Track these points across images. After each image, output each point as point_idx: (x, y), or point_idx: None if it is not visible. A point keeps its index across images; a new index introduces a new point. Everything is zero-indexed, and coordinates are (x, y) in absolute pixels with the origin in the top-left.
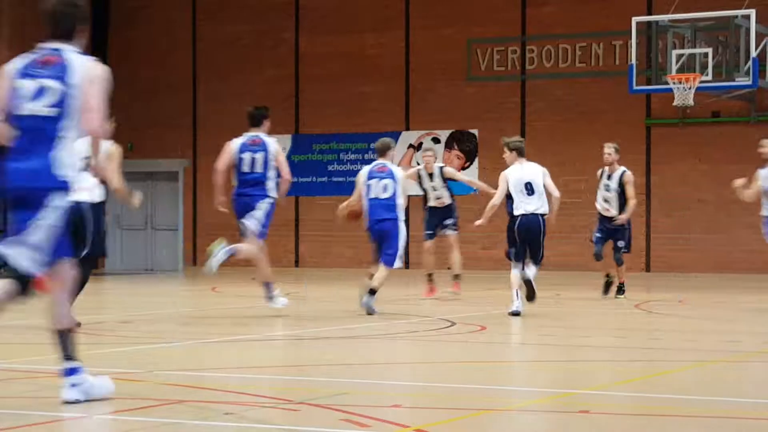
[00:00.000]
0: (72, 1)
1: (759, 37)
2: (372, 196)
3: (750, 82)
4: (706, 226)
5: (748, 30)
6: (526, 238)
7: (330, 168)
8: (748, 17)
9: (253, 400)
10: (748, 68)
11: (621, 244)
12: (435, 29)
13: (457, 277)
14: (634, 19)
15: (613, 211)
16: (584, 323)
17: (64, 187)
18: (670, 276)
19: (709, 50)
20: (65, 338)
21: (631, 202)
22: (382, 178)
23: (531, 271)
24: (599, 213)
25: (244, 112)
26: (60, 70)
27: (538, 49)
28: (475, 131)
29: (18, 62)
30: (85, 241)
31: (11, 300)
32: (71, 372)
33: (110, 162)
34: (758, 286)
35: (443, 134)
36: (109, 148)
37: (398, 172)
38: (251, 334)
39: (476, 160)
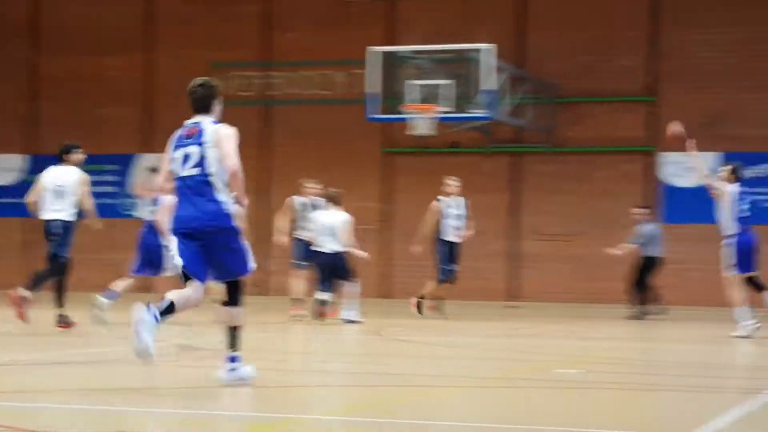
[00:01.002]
0: (208, 83)
1: (495, 70)
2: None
3: (486, 114)
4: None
5: (485, 63)
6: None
7: None
8: (485, 51)
9: None
10: (485, 100)
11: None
12: (178, 52)
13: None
14: (374, 49)
15: (459, 237)
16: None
17: (227, 221)
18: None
19: (447, 82)
20: (236, 333)
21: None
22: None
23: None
24: (447, 240)
25: None
26: (198, 138)
27: (282, 75)
28: None
29: (175, 135)
30: None
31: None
32: (233, 359)
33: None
34: (499, 312)
35: None
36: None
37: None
38: None
39: None
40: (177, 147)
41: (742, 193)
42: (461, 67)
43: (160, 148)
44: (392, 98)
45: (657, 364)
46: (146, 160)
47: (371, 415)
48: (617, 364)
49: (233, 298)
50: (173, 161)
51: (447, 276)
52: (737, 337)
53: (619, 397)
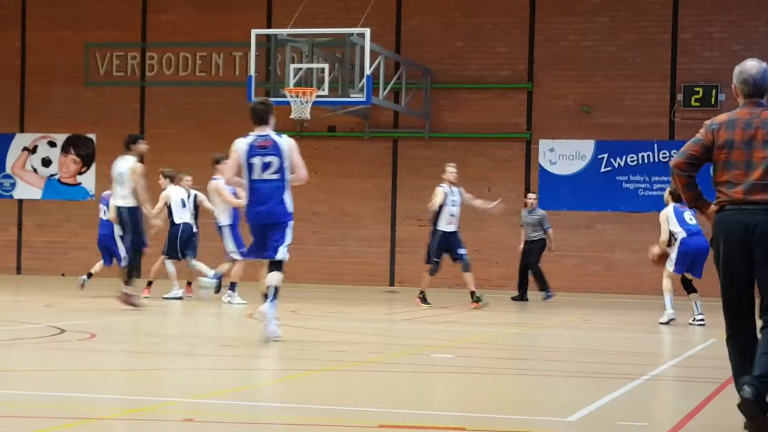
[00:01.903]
0: (264, 101)
1: (373, 55)
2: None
3: (364, 99)
4: (320, 238)
5: (362, 48)
6: None
7: None
8: (363, 35)
9: None
10: (363, 85)
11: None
12: (52, 31)
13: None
14: (254, 32)
15: (455, 225)
16: (192, 331)
17: (289, 216)
18: (287, 287)
19: (326, 66)
20: (278, 291)
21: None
22: None
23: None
24: (441, 230)
25: None
26: (274, 149)
27: (159, 56)
28: (92, 136)
29: (242, 144)
30: None
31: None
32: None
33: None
34: (372, 297)
35: (60, 138)
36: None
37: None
38: None
39: (93, 165)
40: (253, 155)
41: (680, 210)
42: (339, 51)
43: (33, 128)
44: (272, 82)
45: (533, 348)
46: (21, 138)
47: (241, 398)
48: (493, 348)
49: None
50: (251, 167)
51: (436, 268)
52: (662, 323)
53: (495, 381)
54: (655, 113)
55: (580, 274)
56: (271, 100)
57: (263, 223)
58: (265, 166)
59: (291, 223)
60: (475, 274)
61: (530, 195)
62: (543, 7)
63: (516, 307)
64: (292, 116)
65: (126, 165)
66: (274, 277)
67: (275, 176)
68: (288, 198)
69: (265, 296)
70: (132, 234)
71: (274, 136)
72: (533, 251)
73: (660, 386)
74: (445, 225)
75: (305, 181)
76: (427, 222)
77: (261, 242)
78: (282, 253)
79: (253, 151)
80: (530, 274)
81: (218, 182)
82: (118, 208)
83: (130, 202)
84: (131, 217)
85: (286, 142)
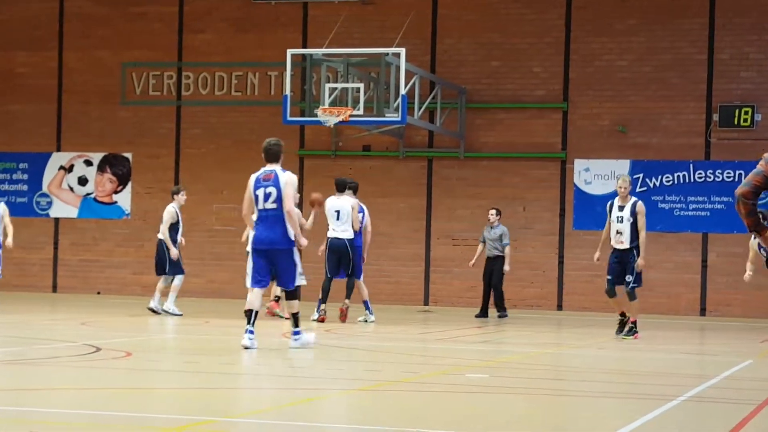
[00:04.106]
0: (276, 141)
1: (408, 74)
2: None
3: (399, 119)
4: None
5: (398, 67)
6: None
7: None
8: (398, 55)
9: None
10: (398, 105)
11: (629, 278)
12: (89, 51)
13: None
14: (289, 51)
15: (625, 243)
16: (227, 350)
17: (291, 243)
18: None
19: (361, 85)
20: (297, 317)
21: (642, 234)
22: None
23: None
24: (612, 247)
25: None
26: (274, 181)
27: (195, 76)
28: (128, 155)
29: (252, 178)
30: None
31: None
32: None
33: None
34: (406, 317)
35: (96, 157)
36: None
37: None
38: None
39: (129, 183)
40: (258, 187)
41: None
42: (374, 71)
43: (69, 147)
44: (307, 101)
45: (568, 369)
46: (57, 157)
47: (278, 418)
48: (528, 368)
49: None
50: (257, 198)
51: None
52: None
53: (528, 401)
54: (691, 133)
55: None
56: (281, 142)
57: (266, 248)
58: (267, 197)
59: (295, 250)
60: (510, 294)
61: (491, 212)
62: (579, 27)
63: (551, 327)
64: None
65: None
66: (295, 305)
67: (274, 205)
68: (289, 227)
69: (294, 325)
70: None
71: (278, 170)
72: (497, 269)
73: (697, 407)
74: None
75: (287, 214)
76: (461, 241)
77: (264, 270)
78: (297, 280)
79: (258, 183)
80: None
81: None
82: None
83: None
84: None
85: (286, 176)
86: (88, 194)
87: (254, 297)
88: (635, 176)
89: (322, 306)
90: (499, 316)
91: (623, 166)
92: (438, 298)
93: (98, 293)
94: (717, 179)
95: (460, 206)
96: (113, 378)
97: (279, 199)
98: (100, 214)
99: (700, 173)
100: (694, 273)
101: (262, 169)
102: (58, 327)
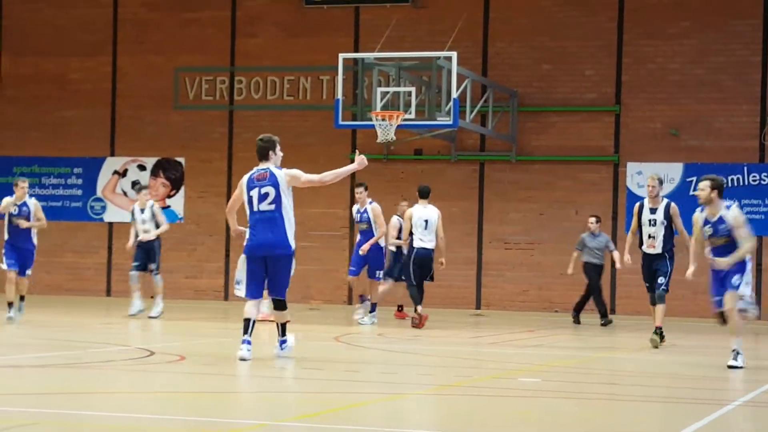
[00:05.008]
0: (268, 137)
1: (460, 78)
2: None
3: (451, 122)
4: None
5: (449, 71)
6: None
7: (30, 192)
8: (449, 59)
9: None
10: (449, 108)
11: (662, 280)
12: (143, 56)
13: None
14: (341, 56)
15: (658, 247)
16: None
17: (291, 252)
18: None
19: (413, 89)
20: (284, 326)
21: (685, 235)
22: None
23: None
24: (643, 252)
25: None
26: (271, 180)
27: (247, 80)
28: (181, 159)
29: (244, 179)
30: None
31: None
32: (283, 342)
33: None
34: (458, 320)
35: (149, 162)
36: None
37: None
38: None
39: (182, 188)
40: (252, 187)
41: None
42: (425, 74)
43: (123, 152)
44: (359, 105)
45: (621, 373)
46: (111, 162)
47: (333, 422)
48: (581, 373)
49: (282, 305)
50: (251, 199)
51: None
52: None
53: (581, 406)
54: (744, 136)
55: (669, 298)
56: (275, 136)
57: (264, 254)
58: (262, 198)
59: (293, 262)
60: (564, 298)
61: (591, 219)
62: (630, 30)
63: (604, 331)
64: (378, 140)
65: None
66: (284, 315)
67: (271, 207)
68: (290, 230)
69: (282, 333)
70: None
71: (273, 169)
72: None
73: (751, 412)
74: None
75: (319, 182)
76: (513, 245)
77: (261, 277)
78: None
79: (252, 183)
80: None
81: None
82: None
83: None
84: None
85: (283, 173)
86: None
87: (250, 306)
88: (688, 179)
89: (418, 308)
90: (603, 324)
91: (676, 169)
92: (490, 302)
93: (152, 297)
94: None
95: (512, 210)
96: (167, 382)
97: (277, 200)
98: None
99: (754, 176)
100: None
101: (255, 169)
102: (112, 331)
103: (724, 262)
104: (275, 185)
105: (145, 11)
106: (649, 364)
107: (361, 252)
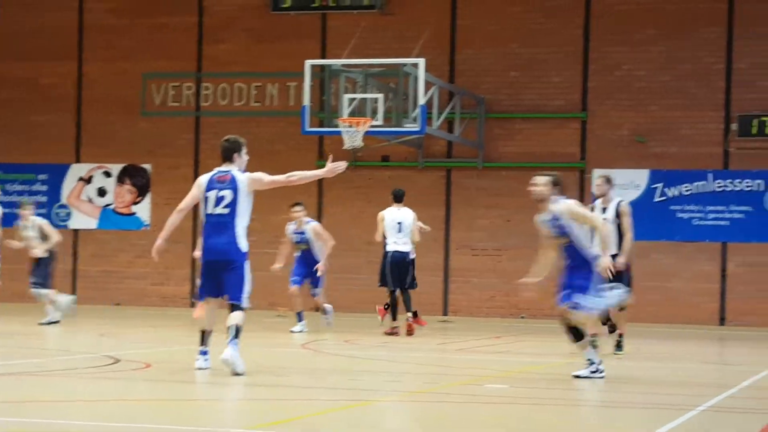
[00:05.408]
0: (234, 139)
1: (427, 85)
2: None
3: (418, 129)
4: (375, 268)
5: (416, 78)
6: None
7: None
8: (416, 66)
9: None
10: (416, 115)
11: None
12: (109, 62)
13: None
14: (308, 62)
15: (613, 248)
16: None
17: (243, 255)
18: (339, 316)
19: (380, 96)
20: (239, 331)
21: (628, 236)
22: None
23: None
24: None
25: None
26: (231, 183)
27: (214, 87)
28: (147, 166)
29: (203, 179)
30: None
31: None
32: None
33: None
34: (430, 327)
35: (115, 168)
36: None
37: None
38: None
39: (148, 195)
40: (210, 188)
41: None
42: (392, 81)
43: (89, 158)
44: (326, 112)
45: (584, 379)
46: (76, 169)
47: (296, 430)
48: (548, 379)
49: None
50: (207, 200)
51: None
52: None
53: (547, 412)
54: (709, 143)
55: (636, 303)
56: (242, 139)
57: (215, 259)
58: (219, 200)
59: (247, 265)
60: (529, 304)
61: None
62: (597, 37)
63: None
64: (345, 147)
65: None
66: (237, 316)
67: (225, 210)
68: (241, 236)
69: (230, 338)
70: None
71: (235, 172)
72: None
73: (716, 417)
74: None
75: (285, 182)
76: (480, 251)
77: (215, 282)
78: (246, 302)
79: (211, 184)
80: None
81: None
82: None
83: None
84: None
85: (245, 177)
86: (107, 205)
87: (208, 316)
88: (654, 186)
89: (395, 320)
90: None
91: (642, 175)
92: (457, 309)
93: (117, 304)
94: (736, 188)
95: (479, 216)
96: (133, 389)
97: (233, 204)
98: (120, 225)
99: (719, 182)
100: (713, 282)
101: (216, 170)
102: (77, 338)
103: (606, 262)
104: (234, 189)
105: (112, 17)
106: (614, 370)
107: (319, 273)
